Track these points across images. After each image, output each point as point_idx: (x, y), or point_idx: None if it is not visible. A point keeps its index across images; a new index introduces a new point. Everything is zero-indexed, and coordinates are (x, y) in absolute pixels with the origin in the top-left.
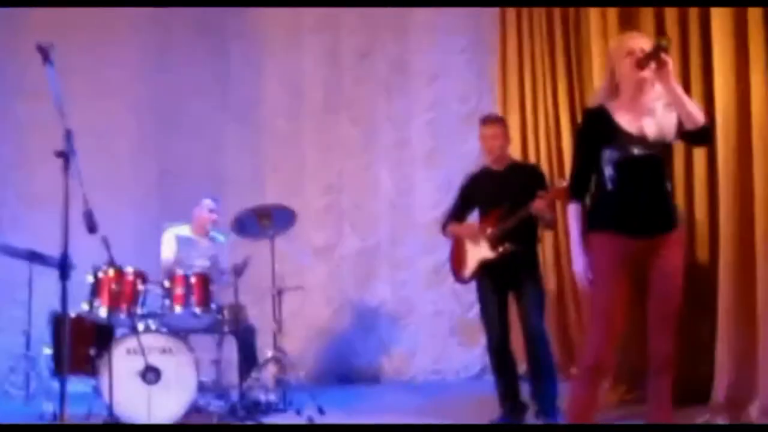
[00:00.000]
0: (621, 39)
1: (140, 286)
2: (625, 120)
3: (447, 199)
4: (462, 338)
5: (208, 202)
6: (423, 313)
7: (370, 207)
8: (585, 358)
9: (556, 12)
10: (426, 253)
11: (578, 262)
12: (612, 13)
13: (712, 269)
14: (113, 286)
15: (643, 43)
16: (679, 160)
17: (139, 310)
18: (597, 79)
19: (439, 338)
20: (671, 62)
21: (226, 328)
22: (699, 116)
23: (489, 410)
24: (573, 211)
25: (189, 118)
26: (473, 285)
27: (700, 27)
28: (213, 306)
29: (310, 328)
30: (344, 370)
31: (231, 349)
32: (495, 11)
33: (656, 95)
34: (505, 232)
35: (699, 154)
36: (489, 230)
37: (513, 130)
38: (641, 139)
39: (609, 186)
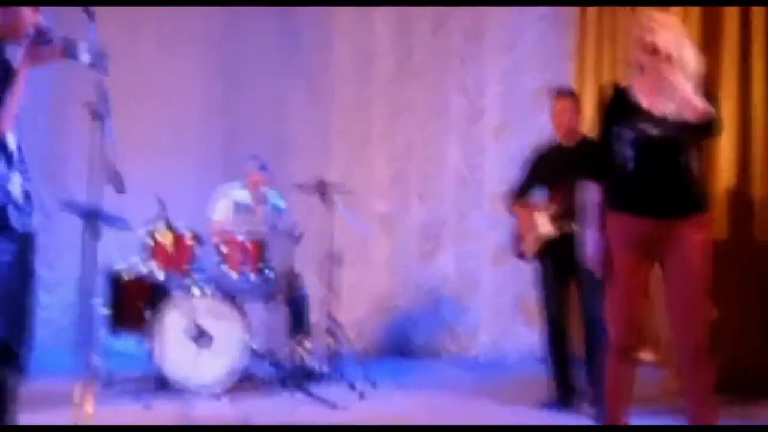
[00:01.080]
0: (634, 17)
1: (197, 249)
2: (646, 100)
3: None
4: (526, 317)
5: (253, 167)
6: (487, 290)
7: (437, 179)
8: (610, 341)
9: None
10: (493, 228)
11: (592, 243)
12: None
13: None
14: (170, 248)
15: (653, 21)
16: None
17: (195, 273)
18: None
19: (503, 316)
20: (672, 55)
21: (280, 296)
22: (697, 107)
23: (545, 392)
24: (594, 192)
25: (256, 81)
26: None
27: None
28: (268, 273)
29: (371, 301)
30: (405, 345)
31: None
32: None
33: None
34: (568, 209)
35: None
36: (553, 207)
37: (589, 104)
38: (661, 120)
39: (628, 166)
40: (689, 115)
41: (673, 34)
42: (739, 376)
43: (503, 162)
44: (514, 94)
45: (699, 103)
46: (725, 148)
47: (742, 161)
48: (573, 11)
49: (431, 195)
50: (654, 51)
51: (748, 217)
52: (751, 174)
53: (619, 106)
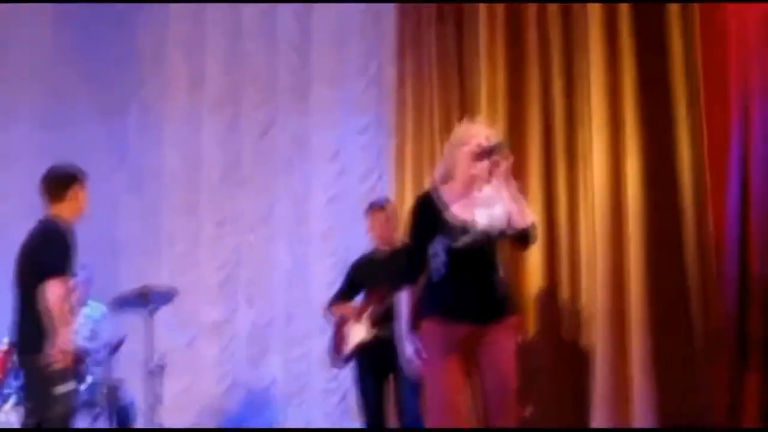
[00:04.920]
0: (465, 128)
1: (13, 358)
2: (457, 208)
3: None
4: (353, 419)
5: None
6: (316, 391)
7: (265, 283)
8: None
9: (454, 91)
10: (320, 331)
11: (409, 345)
12: (502, 91)
13: (585, 354)
14: None
15: (481, 136)
16: (564, 243)
17: (8, 385)
18: None
19: (333, 418)
20: (506, 164)
21: (101, 406)
22: (527, 217)
23: None
24: (405, 294)
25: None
26: None
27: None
28: (88, 382)
29: (200, 406)
30: None
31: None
32: (393, 89)
33: (491, 186)
34: (384, 314)
35: (584, 229)
36: (369, 310)
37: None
38: (472, 228)
39: (439, 274)
40: (516, 225)
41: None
42: None
43: (330, 266)
44: (339, 201)
45: (527, 211)
46: (533, 252)
47: (549, 261)
48: (391, 120)
49: (259, 299)
50: (486, 156)
51: (558, 318)
52: (558, 275)
53: (428, 215)
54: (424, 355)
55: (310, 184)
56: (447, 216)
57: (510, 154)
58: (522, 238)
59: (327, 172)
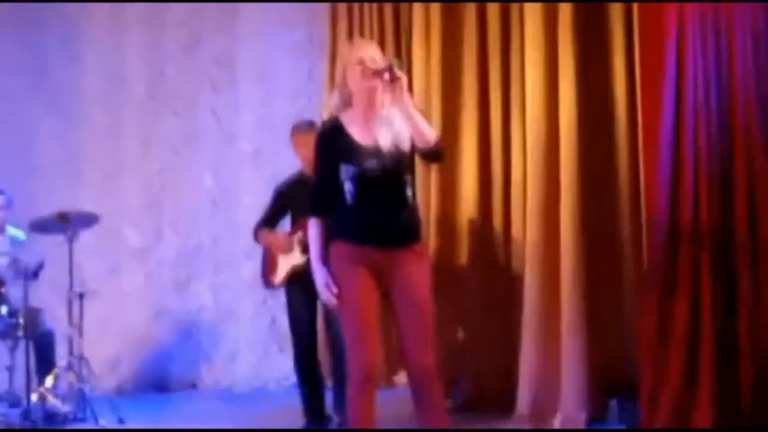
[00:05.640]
0: (352, 46)
1: None
2: (358, 133)
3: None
4: (283, 344)
5: None
6: (243, 318)
7: (191, 206)
8: (354, 372)
9: (388, 8)
10: (248, 256)
11: (320, 277)
12: (435, 9)
13: (515, 281)
14: None
15: (374, 52)
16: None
17: None
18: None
19: (259, 344)
20: (404, 78)
21: (20, 333)
22: (430, 135)
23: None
24: (314, 227)
25: (1, 104)
26: None
27: (521, 29)
28: (5, 309)
29: (125, 335)
30: (161, 379)
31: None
32: (325, 7)
33: (390, 107)
34: None
35: (516, 160)
36: (298, 235)
37: None
38: (376, 152)
39: (348, 200)
40: (420, 143)
41: (382, 56)
42: (481, 395)
43: (259, 189)
44: (267, 121)
45: (429, 130)
46: (467, 179)
47: (483, 191)
48: (324, 39)
49: (185, 223)
50: (378, 75)
51: (490, 246)
52: (491, 204)
53: (332, 143)
54: (334, 289)
55: (237, 105)
56: (350, 142)
57: (402, 73)
58: (430, 156)
59: (254, 92)
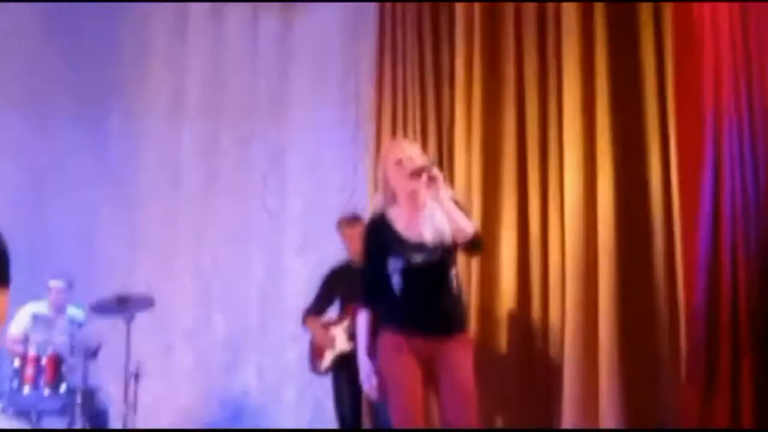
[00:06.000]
0: (392, 145)
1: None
2: (404, 227)
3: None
4: (328, 427)
5: (53, 284)
6: (288, 400)
7: (240, 293)
8: None
9: (430, 105)
10: (294, 340)
11: (365, 368)
12: (477, 106)
13: (553, 371)
14: None
15: (413, 152)
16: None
17: None
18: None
19: (304, 427)
20: (440, 177)
21: (77, 412)
22: (468, 229)
23: None
24: (363, 317)
25: (65, 193)
26: None
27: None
28: (63, 388)
29: (174, 415)
30: None
31: None
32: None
33: (431, 201)
34: None
35: (554, 252)
36: (346, 323)
37: None
38: (421, 246)
39: (396, 292)
40: (458, 237)
41: (423, 155)
42: None
43: (304, 276)
44: (314, 213)
45: (466, 224)
46: (506, 270)
47: (522, 282)
48: (369, 137)
49: (234, 308)
50: (416, 176)
51: (529, 336)
52: (530, 295)
53: (380, 238)
54: (374, 382)
55: (286, 197)
56: (396, 237)
57: (439, 169)
58: (469, 248)
59: (303, 185)
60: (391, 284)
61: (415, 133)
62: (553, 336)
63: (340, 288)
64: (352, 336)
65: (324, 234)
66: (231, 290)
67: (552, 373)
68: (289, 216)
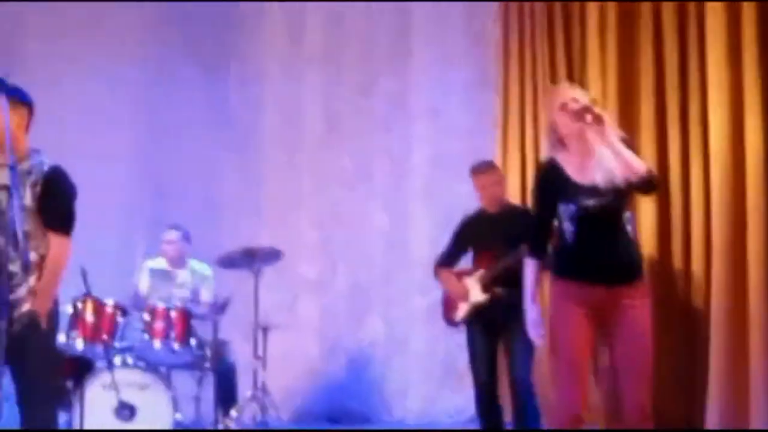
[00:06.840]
0: (554, 91)
1: (119, 319)
2: (575, 172)
3: (444, 237)
4: (456, 380)
5: (167, 234)
6: (416, 353)
7: (364, 243)
8: (559, 412)
9: (559, 47)
10: (421, 291)
11: (532, 314)
12: (612, 46)
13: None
14: (91, 318)
15: (576, 94)
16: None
17: (117, 344)
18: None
19: (432, 380)
20: (605, 115)
21: (206, 365)
22: (640, 167)
23: None
24: (530, 266)
25: (185, 144)
26: None
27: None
28: (193, 342)
29: (300, 367)
30: (334, 411)
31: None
32: (496, 47)
33: (599, 143)
34: (496, 275)
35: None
36: (480, 273)
37: (514, 169)
38: (593, 190)
39: (568, 239)
40: (631, 177)
41: (586, 95)
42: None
43: (430, 225)
44: (439, 159)
45: (638, 162)
46: (646, 216)
47: (662, 228)
48: (497, 78)
49: (358, 259)
50: (581, 117)
51: (670, 283)
52: (670, 242)
53: (550, 184)
54: (542, 331)
55: (410, 143)
56: (568, 182)
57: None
58: (644, 187)
59: (427, 130)
60: (564, 231)
61: (544, 73)
62: (697, 283)
63: (473, 237)
64: (486, 287)
65: (449, 180)
66: (354, 240)
67: (695, 322)
68: (413, 162)
